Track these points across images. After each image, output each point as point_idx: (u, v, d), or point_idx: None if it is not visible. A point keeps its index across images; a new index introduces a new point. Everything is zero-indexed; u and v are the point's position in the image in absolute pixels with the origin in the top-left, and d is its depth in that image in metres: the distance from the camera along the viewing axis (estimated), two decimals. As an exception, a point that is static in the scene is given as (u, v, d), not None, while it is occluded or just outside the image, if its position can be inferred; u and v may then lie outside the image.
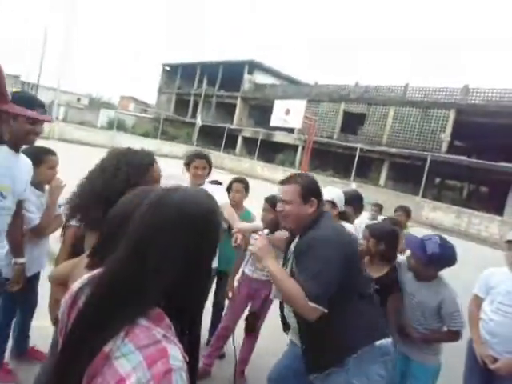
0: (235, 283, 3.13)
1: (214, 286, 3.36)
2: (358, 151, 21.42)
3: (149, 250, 0.79)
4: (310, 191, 1.87)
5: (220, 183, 3.31)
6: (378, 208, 5.59)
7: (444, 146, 20.44)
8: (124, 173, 1.47)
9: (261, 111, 30.52)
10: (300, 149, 25.19)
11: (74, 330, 0.79)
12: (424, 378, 2.38)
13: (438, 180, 26.64)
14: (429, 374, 2.38)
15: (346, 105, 24.86)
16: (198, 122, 29.73)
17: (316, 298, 1.63)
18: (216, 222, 0.88)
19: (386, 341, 1.79)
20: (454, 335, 2.32)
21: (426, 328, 2.35)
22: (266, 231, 2.07)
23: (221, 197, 2.80)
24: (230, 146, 28.93)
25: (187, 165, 2.98)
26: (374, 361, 1.76)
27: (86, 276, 0.90)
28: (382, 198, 15.31)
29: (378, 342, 1.76)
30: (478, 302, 2.64)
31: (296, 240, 1.93)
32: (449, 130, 20.40)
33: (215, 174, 3.46)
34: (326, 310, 1.64)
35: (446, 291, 2.29)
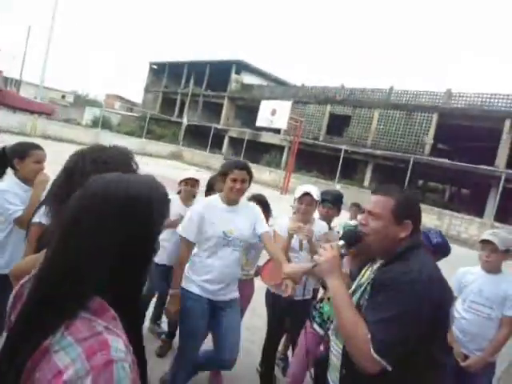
0: None
1: None
2: (342, 152, 21.64)
3: (77, 237, 0.77)
4: (407, 211, 1.46)
5: (265, 202, 3.05)
6: (357, 208, 5.68)
7: (427, 149, 20.78)
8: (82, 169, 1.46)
9: (248, 111, 30.57)
10: (286, 149, 25.31)
11: (15, 325, 0.78)
12: None
13: (420, 182, 27.09)
14: None
15: (332, 107, 25.08)
16: (185, 121, 29.67)
17: (382, 346, 1.26)
18: (147, 210, 0.82)
19: None
20: None
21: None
22: (342, 242, 1.58)
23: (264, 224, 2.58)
24: (217, 146, 28.90)
25: (224, 175, 2.44)
26: None
27: (34, 270, 0.89)
28: (367, 198, 15.47)
29: None
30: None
31: (375, 267, 1.55)
32: (432, 132, 20.75)
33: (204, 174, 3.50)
34: (389, 368, 1.26)
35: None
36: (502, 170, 17.45)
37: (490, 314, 2.50)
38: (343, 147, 21.94)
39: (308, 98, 26.38)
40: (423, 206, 17.75)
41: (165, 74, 37.48)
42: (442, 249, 2.31)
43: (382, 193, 1.50)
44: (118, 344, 0.74)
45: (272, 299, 2.89)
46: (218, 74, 31.66)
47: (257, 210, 2.62)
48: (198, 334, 2.45)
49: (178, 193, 3.44)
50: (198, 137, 31.29)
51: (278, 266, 2.62)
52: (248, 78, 32.21)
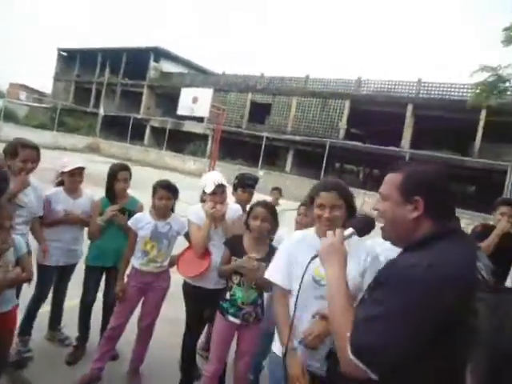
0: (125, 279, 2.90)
1: (103, 285, 3.20)
2: (264, 140, 22.25)
3: None
4: (416, 185, 1.20)
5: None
6: (278, 191, 6.00)
7: (341, 134, 22.21)
8: None
9: (168, 100, 29.87)
10: (210, 138, 25.31)
11: None
12: None
13: (337, 165, 28.87)
14: None
15: (253, 95, 25.56)
16: (101, 112, 28.16)
17: (360, 348, 1.06)
18: None
19: None
20: None
21: None
22: (351, 230, 1.44)
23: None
24: (138, 136, 27.91)
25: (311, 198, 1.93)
26: None
27: None
28: (288, 183, 16.22)
29: None
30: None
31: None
32: (345, 118, 22.20)
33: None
34: (372, 375, 1.05)
35: None
36: (407, 150, 19.32)
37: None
38: (265, 134, 22.56)
39: (229, 87, 26.56)
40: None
41: (76, 61, 34.98)
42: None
43: (394, 170, 1.29)
44: None
45: (190, 290, 2.83)
46: (135, 61, 30.38)
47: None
48: None
49: (60, 184, 3.14)
50: (117, 128, 29.90)
51: (196, 256, 2.66)
52: (167, 66, 31.42)
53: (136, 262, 2.88)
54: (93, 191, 3.37)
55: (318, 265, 1.42)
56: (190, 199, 3.14)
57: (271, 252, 2.46)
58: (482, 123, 18.13)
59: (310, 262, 1.45)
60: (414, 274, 1.06)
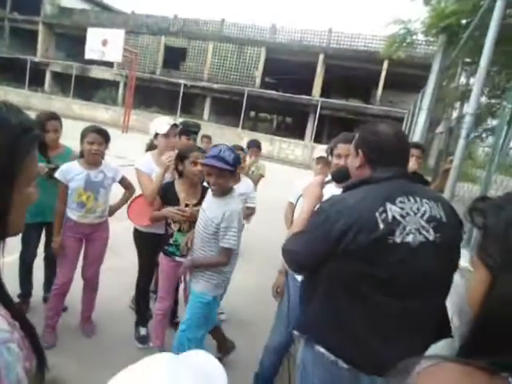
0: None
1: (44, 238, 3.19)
2: (182, 87, 21.66)
3: None
4: (359, 141, 1.55)
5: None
6: (209, 139, 6.17)
7: (257, 82, 22.50)
8: None
9: (72, 42, 26.90)
10: (122, 85, 23.79)
11: None
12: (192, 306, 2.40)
13: (252, 113, 29.41)
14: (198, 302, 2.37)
15: (167, 38, 24.21)
16: (-12, 52, 24.43)
17: (282, 251, 1.55)
18: None
19: (339, 362, 1.42)
20: (225, 253, 2.29)
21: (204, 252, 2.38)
22: (329, 177, 1.80)
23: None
24: (37, 82, 24.98)
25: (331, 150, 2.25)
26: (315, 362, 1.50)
27: None
28: (208, 130, 16.30)
29: (321, 349, 1.45)
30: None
31: None
32: (261, 66, 22.42)
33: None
34: (290, 271, 1.66)
35: (234, 204, 2.30)
36: (318, 98, 20.45)
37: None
38: (182, 82, 21.92)
39: (141, 28, 24.67)
40: (258, 135, 19.74)
41: None
42: (238, 162, 2.32)
43: (359, 131, 1.61)
44: None
45: (143, 237, 2.94)
46: (25, -7, 26.33)
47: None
48: None
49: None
50: (11, 72, 26.29)
51: (147, 205, 2.71)
52: (66, 1, 27.78)
53: (72, 214, 2.78)
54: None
55: None
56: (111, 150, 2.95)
57: (205, 192, 2.63)
58: (383, 73, 19.78)
59: (298, 199, 1.95)
60: (323, 205, 1.47)
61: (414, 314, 1.39)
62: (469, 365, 0.58)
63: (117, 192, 3.05)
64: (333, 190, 1.79)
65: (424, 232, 1.35)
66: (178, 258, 2.69)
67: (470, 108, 2.72)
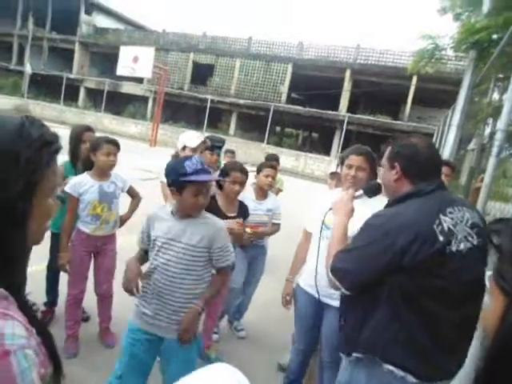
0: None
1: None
2: (208, 102, 22.08)
3: None
4: (397, 154, 1.55)
5: None
6: (232, 154, 6.25)
7: (283, 98, 22.65)
8: None
9: (104, 59, 28.08)
10: (151, 100, 24.51)
11: None
12: None
13: (278, 129, 29.55)
14: None
15: (195, 55, 24.87)
16: (28, 69, 25.77)
17: (333, 269, 1.50)
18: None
19: (407, 377, 1.39)
20: (225, 270, 2.05)
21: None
22: (361, 191, 1.83)
23: None
24: (72, 98, 26.11)
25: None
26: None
27: None
28: (233, 146, 16.47)
29: (389, 366, 1.42)
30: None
31: None
32: (287, 82, 22.59)
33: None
34: (344, 290, 1.48)
35: (213, 219, 2.02)
36: (344, 114, 20.35)
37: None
38: (209, 97, 22.35)
39: (170, 46, 25.50)
40: (283, 150, 19.80)
41: (-8, 10, 31.06)
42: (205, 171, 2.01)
43: (389, 144, 1.63)
44: (15, 329, 0.62)
45: None
46: (63, 13, 27.69)
47: None
48: None
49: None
50: (47, 88, 27.70)
51: None
52: (101, 21, 29.13)
53: (86, 227, 2.74)
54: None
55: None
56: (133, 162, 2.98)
57: (241, 208, 2.85)
58: (412, 89, 19.51)
59: (327, 213, 1.90)
60: (378, 220, 1.45)
61: (469, 320, 1.44)
62: None
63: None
64: (364, 204, 1.83)
65: (470, 238, 1.41)
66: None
67: (501, 124, 2.62)
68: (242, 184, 2.77)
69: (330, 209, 1.83)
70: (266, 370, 2.98)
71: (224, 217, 2.70)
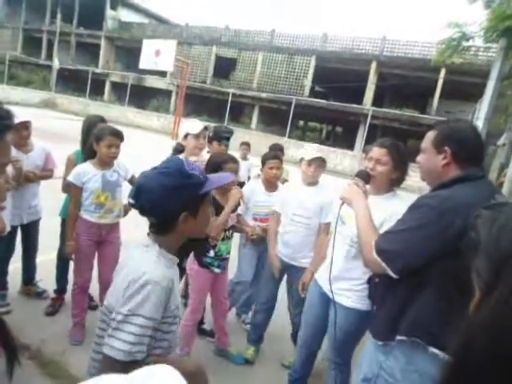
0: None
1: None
2: (230, 96, 22.03)
3: None
4: (445, 138, 1.48)
5: None
6: (247, 146, 6.20)
7: (306, 91, 22.33)
8: None
9: (129, 53, 28.45)
10: (174, 94, 24.67)
11: None
12: None
13: (301, 122, 29.25)
14: None
15: (218, 48, 24.84)
16: (56, 64, 26.45)
17: (380, 251, 1.45)
18: None
19: (443, 355, 1.37)
20: None
21: None
22: (359, 180, 1.84)
23: None
24: (97, 91, 26.66)
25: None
26: (418, 363, 1.43)
27: None
28: (254, 139, 16.40)
29: (434, 350, 1.39)
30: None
31: None
32: (310, 75, 22.24)
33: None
34: (392, 274, 1.42)
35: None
36: (369, 107, 19.86)
37: (309, 224, 2.75)
38: (231, 91, 22.30)
39: (193, 39, 25.57)
40: (304, 144, 19.54)
41: (22, 5, 32.04)
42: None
43: (433, 127, 1.56)
44: None
45: None
46: (90, 9, 28.30)
47: None
48: None
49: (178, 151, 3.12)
50: (74, 82, 28.36)
51: None
52: (126, 15, 29.54)
53: (90, 216, 2.74)
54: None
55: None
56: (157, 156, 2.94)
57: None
58: (440, 82, 18.82)
59: (340, 207, 1.84)
60: (433, 200, 1.40)
61: None
62: None
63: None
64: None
65: None
66: (215, 270, 2.69)
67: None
68: (237, 173, 2.71)
69: (343, 203, 1.80)
70: (271, 366, 2.99)
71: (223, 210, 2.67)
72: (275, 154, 3.26)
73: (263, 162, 3.15)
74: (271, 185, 3.18)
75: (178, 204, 1.16)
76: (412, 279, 1.42)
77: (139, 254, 1.21)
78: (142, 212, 1.20)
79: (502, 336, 0.45)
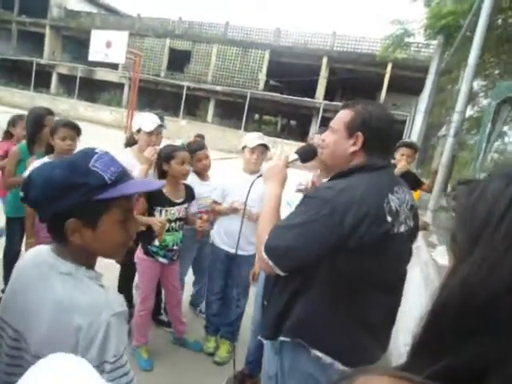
0: None
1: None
2: (185, 89, 21.74)
3: None
4: (360, 123, 1.34)
5: None
6: (202, 138, 6.24)
7: (261, 85, 22.50)
8: None
9: (77, 44, 27.13)
10: (127, 87, 23.90)
11: None
12: None
13: (257, 116, 29.44)
14: None
15: (172, 41, 24.33)
16: (-5, 54, 24.68)
17: (270, 248, 1.30)
18: None
19: (335, 364, 1.31)
20: None
21: None
22: (295, 156, 1.59)
23: None
24: (43, 84, 25.19)
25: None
26: (305, 366, 1.37)
27: None
28: (211, 133, 16.37)
29: (317, 352, 1.32)
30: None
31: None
32: (265, 69, 22.43)
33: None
34: (279, 272, 1.31)
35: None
36: (321, 101, 20.40)
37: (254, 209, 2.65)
38: (186, 84, 22.00)
39: (145, 31, 24.82)
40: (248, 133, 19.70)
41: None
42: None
43: (347, 107, 1.42)
44: None
45: None
46: (32, -4, 26.61)
47: None
48: None
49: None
50: (17, 74, 26.65)
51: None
52: (73, 3, 28.03)
53: None
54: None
55: None
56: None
57: (189, 191, 2.77)
58: (387, 76, 19.69)
59: (254, 181, 1.66)
60: (326, 194, 1.27)
61: (395, 305, 1.40)
62: (403, 379, 0.50)
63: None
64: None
65: (408, 221, 1.35)
66: (161, 259, 2.70)
67: (458, 106, 2.68)
68: (189, 163, 2.70)
69: (260, 175, 1.62)
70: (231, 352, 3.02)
71: (171, 204, 2.65)
72: (201, 144, 3.28)
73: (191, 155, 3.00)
74: (204, 175, 3.22)
75: (64, 207, 0.90)
76: (298, 276, 1.32)
77: (63, 286, 0.91)
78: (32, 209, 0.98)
79: (478, 290, 0.48)
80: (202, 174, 3.16)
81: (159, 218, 2.59)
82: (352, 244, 1.20)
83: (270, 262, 1.29)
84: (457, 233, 0.58)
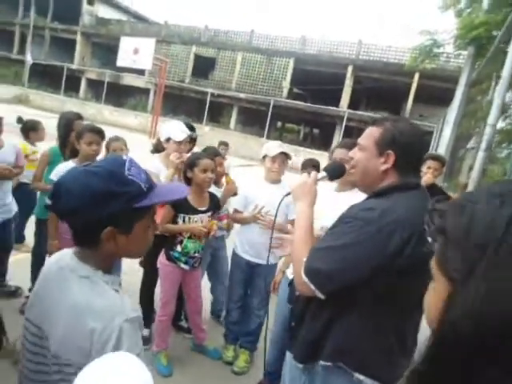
0: None
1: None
2: (209, 96, 21.99)
3: None
4: (391, 140, 1.31)
5: None
6: (226, 146, 6.28)
7: (285, 92, 22.54)
8: None
9: (106, 50, 27.94)
10: (152, 92, 24.38)
11: None
12: None
13: (279, 124, 29.48)
14: None
15: (197, 48, 24.73)
16: (29, 59, 25.60)
17: (311, 271, 1.27)
18: None
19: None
20: None
21: None
22: (324, 174, 1.58)
23: None
24: (73, 88, 25.99)
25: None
26: None
27: None
28: (233, 139, 16.49)
29: (360, 376, 1.30)
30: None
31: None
32: (289, 77, 22.47)
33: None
34: (320, 295, 1.27)
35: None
36: (345, 110, 20.25)
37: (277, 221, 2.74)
38: (210, 90, 22.26)
39: (172, 38, 25.33)
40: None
41: (-5, -2, 30.91)
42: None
43: (375, 124, 1.39)
44: None
45: None
46: (65, 3, 27.52)
47: None
48: None
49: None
50: (48, 78, 27.59)
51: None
52: (103, 11, 28.97)
53: None
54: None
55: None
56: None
57: (213, 199, 2.79)
58: (414, 86, 19.39)
59: (282, 199, 1.65)
60: (369, 215, 1.24)
61: (419, 321, 1.37)
62: None
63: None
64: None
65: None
66: (182, 265, 2.71)
67: (490, 119, 2.60)
68: (214, 171, 2.68)
69: (288, 193, 1.59)
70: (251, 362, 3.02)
71: (195, 211, 2.66)
72: (215, 151, 3.33)
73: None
74: (219, 182, 3.29)
75: (103, 215, 0.91)
76: (338, 299, 1.28)
77: (80, 289, 0.92)
78: (61, 217, 0.99)
79: (488, 320, 0.47)
80: (216, 181, 3.17)
81: (202, 224, 2.66)
82: (399, 264, 1.19)
83: (312, 286, 1.26)
84: (448, 253, 0.56)
